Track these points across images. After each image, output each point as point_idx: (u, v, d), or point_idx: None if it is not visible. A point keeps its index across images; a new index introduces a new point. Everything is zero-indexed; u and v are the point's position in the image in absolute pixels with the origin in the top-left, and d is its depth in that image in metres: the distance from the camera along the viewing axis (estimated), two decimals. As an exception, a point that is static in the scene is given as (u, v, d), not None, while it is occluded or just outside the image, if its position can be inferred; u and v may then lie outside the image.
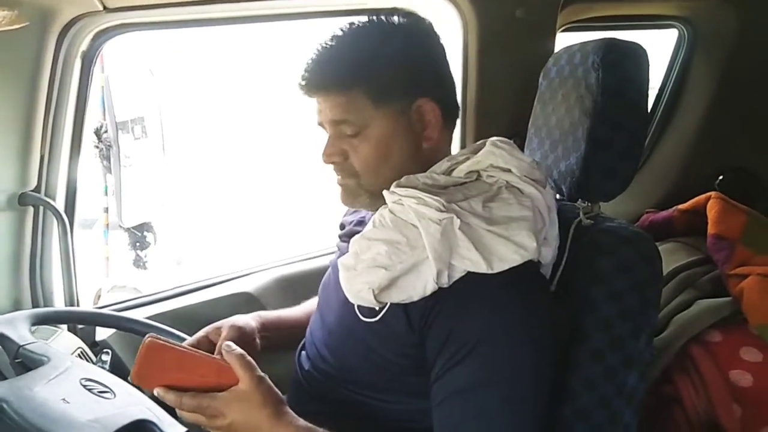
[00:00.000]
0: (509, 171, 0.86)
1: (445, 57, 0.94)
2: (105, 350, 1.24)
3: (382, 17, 0.89)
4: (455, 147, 1.40)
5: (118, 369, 1.23)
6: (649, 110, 1.14)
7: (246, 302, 1.49)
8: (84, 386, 1.04)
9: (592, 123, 0.93)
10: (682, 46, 1.66)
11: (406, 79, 0.87)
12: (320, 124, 0.92)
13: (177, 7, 1.32)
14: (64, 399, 0.99)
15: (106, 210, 2.52)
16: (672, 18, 1.63)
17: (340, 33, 0.89)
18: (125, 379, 1.01)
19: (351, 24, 0.89)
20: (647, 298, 0.90)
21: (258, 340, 1.05)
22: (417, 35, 0.92)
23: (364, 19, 0.90)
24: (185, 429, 0.93)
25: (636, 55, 0.94)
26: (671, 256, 1.41)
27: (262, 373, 0.82)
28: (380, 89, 0.87)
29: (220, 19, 1.45)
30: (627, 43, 0.95)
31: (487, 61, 1.42)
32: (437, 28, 0.94)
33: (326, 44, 0.88)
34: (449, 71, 0.94)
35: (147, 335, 0.82)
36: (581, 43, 1.02)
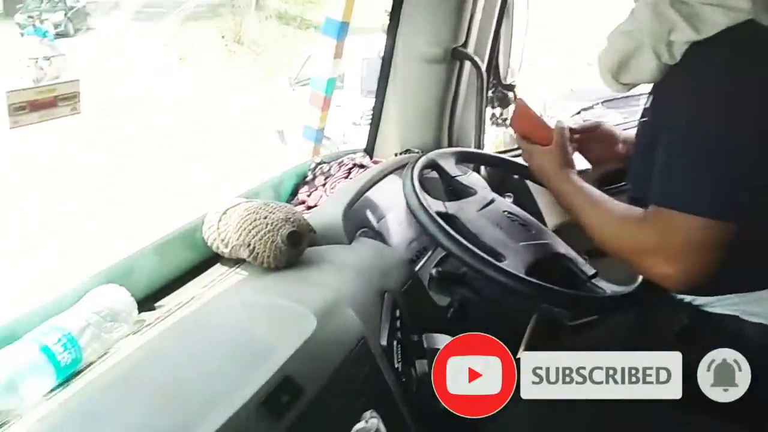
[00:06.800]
0: None
1: None
2: (507, 193, 1.45)
3: None
4: None
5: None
6: None
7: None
8: (508, 217, 1.26)
9: None
10: None
11: None
12: None
13: None
14: (497, 224, 1.22)
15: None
16: None
17: None
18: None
19: None
20: None
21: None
22: None
23: None
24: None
25: None
26: None
27: (570, 146, 1.16)
28: None
29: None
30: None
31: None
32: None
33: None
34: None
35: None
36: None
